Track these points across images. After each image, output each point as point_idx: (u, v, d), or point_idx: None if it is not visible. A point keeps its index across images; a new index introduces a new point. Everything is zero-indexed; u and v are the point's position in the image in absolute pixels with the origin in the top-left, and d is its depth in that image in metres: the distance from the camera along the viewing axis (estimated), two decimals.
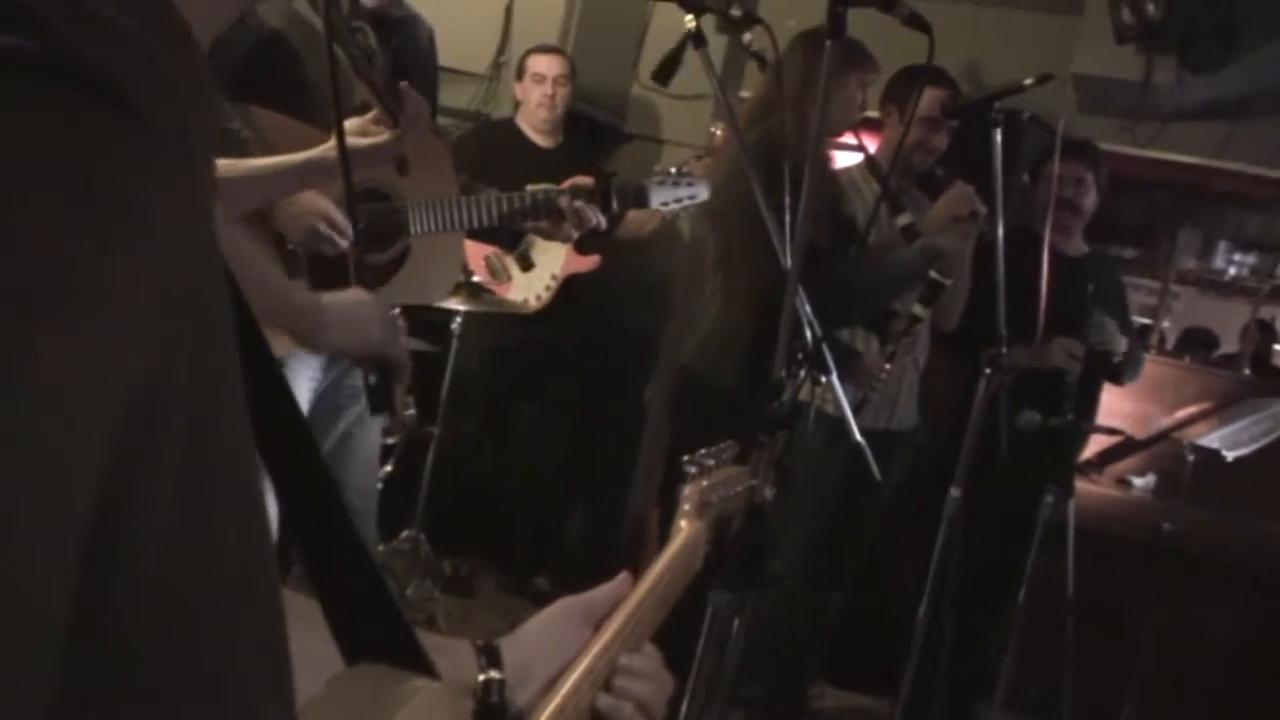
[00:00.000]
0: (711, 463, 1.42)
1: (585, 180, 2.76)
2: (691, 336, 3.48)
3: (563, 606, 1.12)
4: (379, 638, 0.61)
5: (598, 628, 1.11)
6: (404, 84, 2.15)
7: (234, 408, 0.43)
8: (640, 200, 2.80)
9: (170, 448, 0.38)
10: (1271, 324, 7.24)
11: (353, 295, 1.81)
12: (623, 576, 1.18)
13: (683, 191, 2.79)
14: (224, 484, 0.42)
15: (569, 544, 5.22)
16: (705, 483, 1.38)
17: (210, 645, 0.42)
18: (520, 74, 4.56)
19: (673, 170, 2.84)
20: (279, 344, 2.34)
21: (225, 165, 1.79)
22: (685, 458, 1.39)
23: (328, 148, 2.03)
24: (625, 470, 5.46)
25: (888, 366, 3.42)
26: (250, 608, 0.45)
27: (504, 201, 2.65)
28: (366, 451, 2.80)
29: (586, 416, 5.06)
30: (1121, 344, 3.76)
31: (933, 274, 3.25)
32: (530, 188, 4.33)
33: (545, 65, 4.50)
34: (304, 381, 2.55)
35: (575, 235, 2.73)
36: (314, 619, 0.60)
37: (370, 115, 2.11)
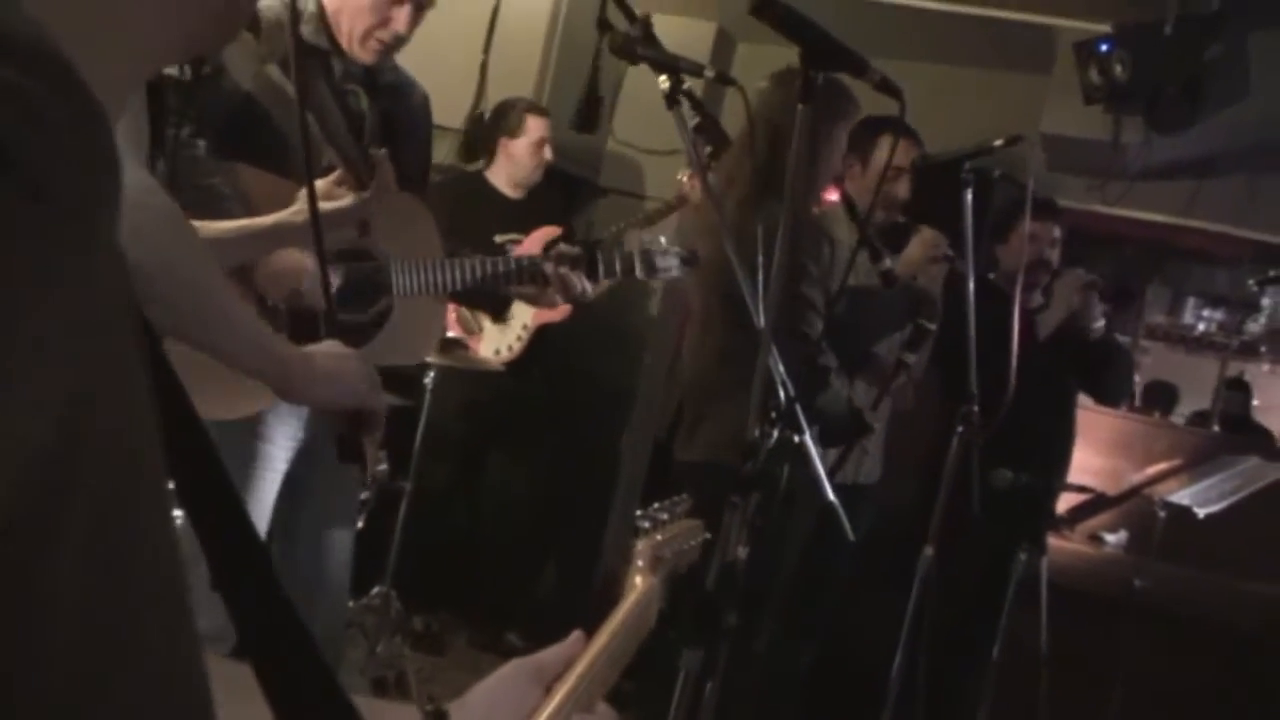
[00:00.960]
0: (665, 517, 1.41)
1: (571, 248, 2.73)
2: (709, 428, 3.36)
3: (514, 667, 1.10)
4: (315, 704, 0.60)
5: (549, 689, 1.09)
6: (380, 151, 2.16)
7: (145, 475, 0.42)
8: (627, 268, 2.75)
9: (79, 512, 0.38)
10: (1245, 381, 7.27)
11: (335, 348, 1.81)
12: (576, 635, 1.17)
13: (671, 261, 2.74)
14: (139, 535, 0.42)
15: (541, 599, 5.19)
16: (659, 537, 1.37)
17: (133, 696, 0.41)
18: (515, 130, 4.53)
19: (662, 240, 2.83)
20: (258, 399, 2.35)
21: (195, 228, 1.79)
22: (639, 512, 1.38)
23: (293, 211, 2.04)
24: (598, 524, 5.44)
25: (875, 414, 3.43)
26: (169, 662, 0.44)
27: (488, 264, 2.62)
28: (347, 508, 2.80)
29: (560, 470, 5.05)
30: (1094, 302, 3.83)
31: (920, 320, 3.27)
32: (499, 238, 4.35)
33: (544, 128, 4.50)
34: (283, 440, 2.55)
35: (559, 302, 2.69)
36: (250, 687, 0.59)
37: (334, 176, 2.11)
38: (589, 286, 2.66)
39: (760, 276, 2.32)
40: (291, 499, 2.61)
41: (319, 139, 2.15)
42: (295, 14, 1.80)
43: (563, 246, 2.74)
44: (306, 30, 2.49)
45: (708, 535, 1.57)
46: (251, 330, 1.70)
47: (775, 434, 2.27)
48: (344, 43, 2.52)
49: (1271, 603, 4.33)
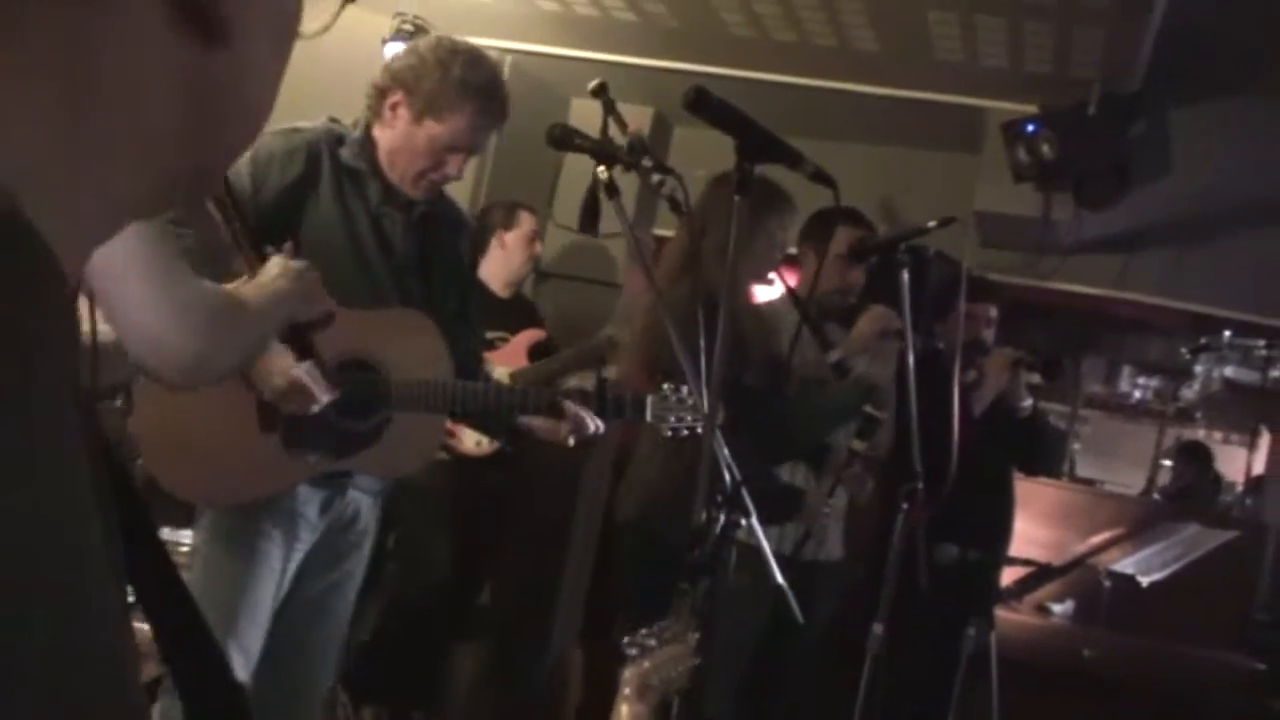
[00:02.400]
0: (653, 643, 1.36)
1: (587, 386, 2.74)
2: (635, 490, 3.41)
3: None
4: None
5: None
6: (287, 245, 2.20)
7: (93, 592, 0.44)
8: (639, 410, 2.67)
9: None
10: (1202, 447, 7.25)
11: (275, 268, 2.02)
12: None
13: (684, 412, 2.64)
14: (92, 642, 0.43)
15: (493, 685, 5.12)
16: (647, 664, 1.32)
17: None
18: (509, 224, 4.50)
19: (683, 389, 2.66)
20: (274, 480, 2.47)
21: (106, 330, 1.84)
22: (626, 639, 1.34)
23: None
24: (548, 609, 5.40)
25: (831, 500, 3.45)
26: None
27: (499, 393, 2.65)
28: (346, 602, 2.83)
29: (508, 556, 5.02)
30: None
31: (868, 409, 3.30)
32: (488, 334, 4.35)
33: (534, 223, 4.52)
34: (305, 534, 2.60)
35: (571, 440, 2.64)
36: None
37: (243, 281, 2.14)
38: (601, 426, 2.65)
39: (703, 361, 2.34)
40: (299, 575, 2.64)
41: (227, 243, 2.19)
42: None
43: (580, 384, 2.73)
44: (346, 154, 2.61)
45: (697, 660, 1.53)
46: (258, 329, 1.99)
47: (722, 518, 2.28)
48: (394, 178, 2.62)
49: (1218, 667, 4.38)
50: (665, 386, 2.61)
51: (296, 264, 2.07)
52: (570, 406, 2.62)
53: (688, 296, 2.83)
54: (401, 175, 2.61)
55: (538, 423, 2.67)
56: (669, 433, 2.62)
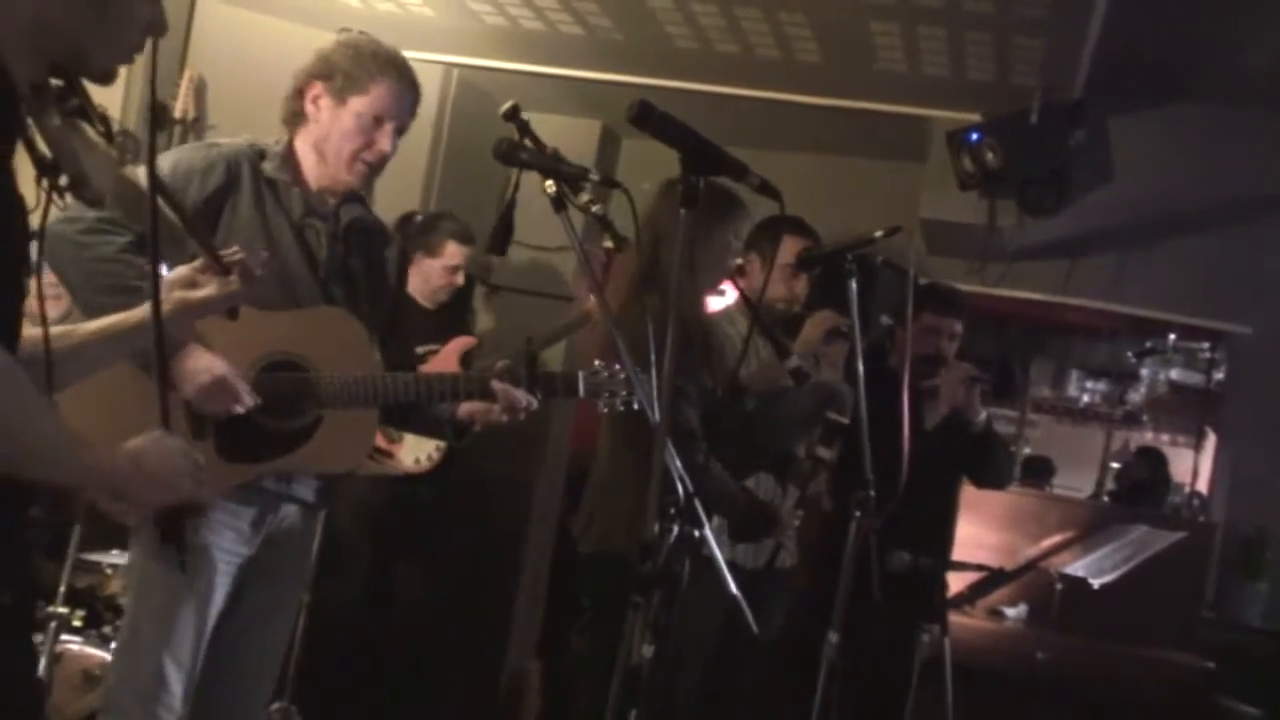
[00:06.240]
0: None
1: (513, 365, 2.76)
2: (601, 518, 3.38)
3: None
4: None
5: None
6: (234, 248, 2.10)
7: None
8: (570, 388, 2.75)
9: None
10: (1157, 450, 7.27)
11: (158, 442, 1.66)
12: None
13: (617, 387, 2.72)
14: None
15: (449, 702, 5.10)
16: None
17: None
18: (434, 250, 4.48)
19: (615, 367, 2.73)
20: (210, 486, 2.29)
21: (56, 335, 1.74)
22: None
23: (137, 310, 1.92)
24: (504, 622, 5.38)
25: (800, 513, 3.45)
26: None
27: (429, 381, 2.65)
28: (286, 619, 2.81)
29: (462, 569, 5.00)
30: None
31: (831, 415, 3.30)
32: (419, 349, 4.33)
33: (461, 256, 4.46)
34: (240, 548, 2.57)
35: (505, 419, 2.67)
36: None
37: (198, 264, 2.06)
38: (535, 401, 2.68)
39: (653, 373, 2.34)
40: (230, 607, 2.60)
41: (180, 231, 2.12)
42: (155, 76, 1.72)
43: (505, 362, 2.79)
44: (269, 167, 2.60)
45: None
46: (76, 460, 1.56)
47: (675, 530, 2.28)
48: (325, 177, 2.62)
49: (1168, 667, 4.43)
50: (596, 363, 2.70)
51: (193, 458, 1.71)
52: (500, 386, 2.65)
53: (646, 312, 2.82)
54: (335, 162, 2.61)
55: (473, 407, 2.70)
56: (604, 409, 2.70)
